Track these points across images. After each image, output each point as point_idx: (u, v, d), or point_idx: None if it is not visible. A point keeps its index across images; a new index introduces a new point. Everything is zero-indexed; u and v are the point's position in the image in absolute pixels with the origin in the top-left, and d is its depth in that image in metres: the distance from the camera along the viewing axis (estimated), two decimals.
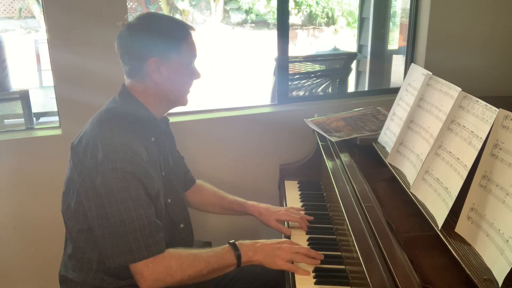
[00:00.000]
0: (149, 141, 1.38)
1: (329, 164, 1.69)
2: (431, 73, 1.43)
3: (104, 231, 1.24)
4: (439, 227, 1.09)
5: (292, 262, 1.36)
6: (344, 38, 9.74)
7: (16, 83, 3.67)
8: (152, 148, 1.39)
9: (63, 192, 1.39)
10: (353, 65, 3.41)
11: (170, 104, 1.44)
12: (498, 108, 1.03)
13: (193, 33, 1.39)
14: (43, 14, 1.81)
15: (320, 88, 3.10)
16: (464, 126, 1.14)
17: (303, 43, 9.66)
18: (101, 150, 1.25)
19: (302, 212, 1.69)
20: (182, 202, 1.53)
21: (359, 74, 3.70)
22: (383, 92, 2.56)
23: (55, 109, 1.96)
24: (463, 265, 0.96)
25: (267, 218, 1.61)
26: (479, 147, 1.05)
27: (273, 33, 2.37)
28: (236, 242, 1.36)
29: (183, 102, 1.44)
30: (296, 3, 10.37)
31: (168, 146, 1.52)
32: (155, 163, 1.39)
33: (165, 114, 1.50)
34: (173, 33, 1.35)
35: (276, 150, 2.19)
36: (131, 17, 1.38)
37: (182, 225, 1.49)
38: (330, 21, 10.60)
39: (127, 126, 1.32)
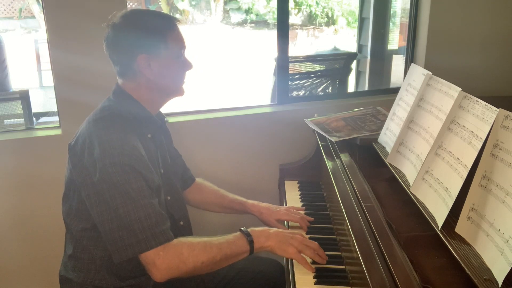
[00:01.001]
0: (145, 138, 1.37)
1: (329, 164, 1.69)
2: (431, 73, 1.43)
3: (109, 227, 1.22)
4: (439, 227, 1.09)
5: None
6: (344, 38, 9.75)
7: (16, 83, 3.66)
8: (149, 145, 1.38)
9: (63, 193, 1.38)
10: (353, 65, 3.41)
11: (166, 97, 1.43)
12: (498, 108, 1.03)
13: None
14: (43, 14, 1.81)
15: (320, 88, 3.10)
16: (464, 126, 1.14)
17: (303, 43, 9.67)
18: (98, 147, 1.24)
19: (302, 212, 1.69)
20: (181, 199, 1.52)
21: (359, 74, 3.69)
22: (383, 92, 2.55)
23: (55, 109, 1.96)
24: (463, 265, 0.96)
25: (268, 217, 1.61)
26: (479, 147, 1.05)
27: (273, 33, 2.37)
28: (248, 229, 1.35)
29: (180, 93, 1.43)
30: (296, 3, 10.37)
31: (165, 143, 1.51)
32: (153, 160, 1.38)
33: (162, 112, 1.49)
34: (158, 27, 1.33)
35: (276, 150, 2.19)
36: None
37: (182, 223, 1.48)
38: (330, 21, 10.61)
39: (123, 123, 1.31)
